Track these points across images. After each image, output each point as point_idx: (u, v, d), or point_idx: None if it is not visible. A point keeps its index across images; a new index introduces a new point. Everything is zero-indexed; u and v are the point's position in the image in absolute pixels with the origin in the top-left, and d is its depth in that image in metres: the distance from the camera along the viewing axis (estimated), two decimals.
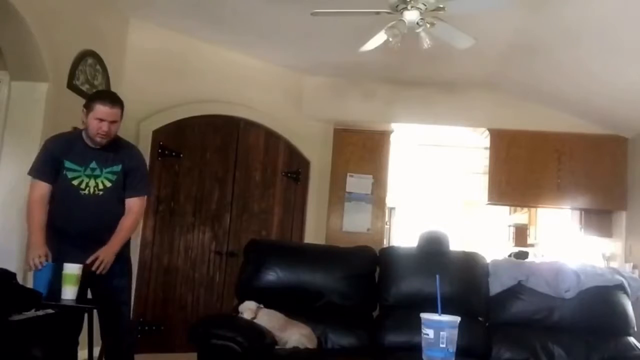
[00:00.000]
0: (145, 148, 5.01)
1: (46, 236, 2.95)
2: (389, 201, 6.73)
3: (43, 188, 2.96)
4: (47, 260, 2.88)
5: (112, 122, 2.96)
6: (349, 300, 3.39)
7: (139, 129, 5.00)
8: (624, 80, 4.78)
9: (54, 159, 2.97)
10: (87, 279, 2.92)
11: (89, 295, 3.10)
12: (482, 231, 9.31)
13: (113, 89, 4.76)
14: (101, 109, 2.94)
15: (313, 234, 5.83)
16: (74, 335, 3.04)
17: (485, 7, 3.64)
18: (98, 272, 2.95)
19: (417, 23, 3.47)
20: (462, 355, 2.09)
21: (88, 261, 2.94)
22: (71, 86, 4.17)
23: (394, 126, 6.26)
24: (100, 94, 3.24)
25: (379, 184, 6.09)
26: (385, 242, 6.83)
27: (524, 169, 5.99)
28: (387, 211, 6.61)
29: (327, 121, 6.11)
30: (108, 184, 3.02)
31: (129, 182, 3.08)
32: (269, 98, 5.73)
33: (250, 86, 5.59)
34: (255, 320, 3.02)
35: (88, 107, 3.00)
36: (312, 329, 3.13)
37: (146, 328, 4.87)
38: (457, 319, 1.98)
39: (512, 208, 8.45)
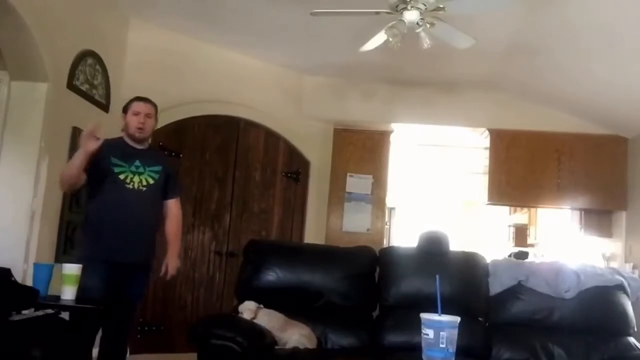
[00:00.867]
0: None
1: (94, 230, 3.12)
2: (389, 201, 6.72)
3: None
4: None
5: (147, 115, 3.26)
6: (348, 300, 3.39)
7: None
8: (624, 80, 4.78)
9: (95, 155, 3.07)
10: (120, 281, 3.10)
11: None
12: (482, 231, 9.31)
13: (113, 89, 4.76)
14: (136, 104, 3.28)
15: (313, 234, 5.83)
16: (91, 335, 3.09)
17: (485, 7, 3.64)
18: (169, 278, 3.34)
19: (417, 23, 3.48)
20: (462, 355, 2.09)
21: (162, 273, 3.31)
22: (71, 86, 4.17)
23: (394, 126, 6.25)
24: (135, 97, 3.43)
25: (379, 184, 6.08)
26: (385, 242, 6.82)
27: (523, 169, 5.98)
28: (387, 211, 6.61)
29: (327, 121, 6.11)
30: (151, 181, 3.23)
31: (169, 185, 3.36)
32: (269, 98, 5.73)
33: (250, 86, 5.59)
34: (255, 321, 3.02)
35: (125, 110, 3.32)
36: (312, 329, 3.13)
37: (146, 328, 4.87)
38: (457, 319, 1.98)
39: (512, 208, 8.44)
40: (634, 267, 5.41)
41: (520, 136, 6.02)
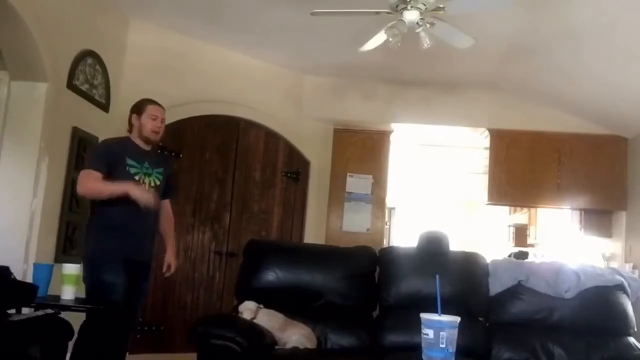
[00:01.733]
0: None
1: (110, 229, 3.16)
2: (389, 201, 6.72)
3: (97, 175, 3.12)
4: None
5: (162, 120, 3.38)
6: (348, 300, 3.39)
7: None
8: (624, 80, 4.78)
9: (112, 154, 3.21)
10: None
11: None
12: (482, 231, 9.31)
13: (113, 89, 4.76)
14: (154, 107, 3.35)
15: (313, 234, 5.83)
16: (125, 332, 3.22)
17: (485, 8, 3.64)
18: (170, 274, 3.47)
19: (417, 23, 3.47)
20: (462, 355, 2.09)
21: (164, 270, 3.43)
22: (71, 86, 4.17)
23: (393, 126, 6.25)
24: (146, 98, 3.48)
25: (379, 184, 6.08)
26: (385, 242, 6.82)
27: (523, 169, 5.98)
28: (387, 211, 6.61)
29: (327, 121, 6.11)
30: (157, 182, 3.35)
31: (168, 186, 3.47)
32: (269, 98, 5.73)
33: (250, 86, 5.58)
34: (255, 321, 3.02)
35: (139, 111, 3.33)
36: (312, 329, 3.13)
37: (146, 328, 4.87)
38: (457, 319, 1.98)
39: (512, 208, 8.44)
40: (634, 267, 5.41)
41: (520, 136, 6.02)
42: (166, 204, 3.52)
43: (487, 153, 6.23)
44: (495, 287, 3.40)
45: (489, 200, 6.15)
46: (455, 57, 4.71)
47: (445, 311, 2.02)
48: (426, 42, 3.61)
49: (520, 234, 8.45)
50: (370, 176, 6.07)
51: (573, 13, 4.02)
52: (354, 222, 5.98)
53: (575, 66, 4.91)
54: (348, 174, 6.04)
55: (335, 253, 3.65)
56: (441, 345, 1.93)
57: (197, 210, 5.26)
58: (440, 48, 3.87)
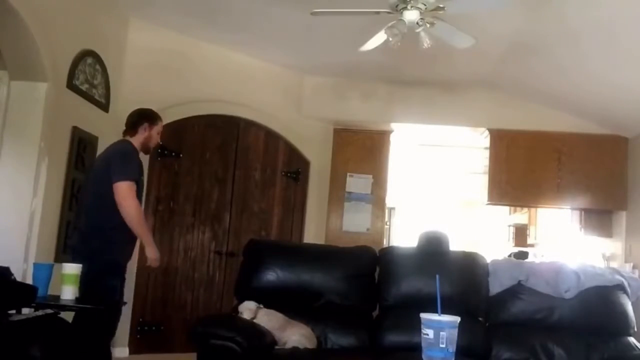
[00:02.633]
0: None
1: (124, 236, 3.25)
2: (389, 201, 6.72)
3: (134, 187, 3.22)
4: None
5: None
6: (348, 300, 3.38)
7: None
8: (624, 80, 4.78)
9: (138, 165, 3.35)
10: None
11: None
12: (482, 231, 9.31)
13: (113, 88, 4.76)
14: (161, 125, 3.55)
15: (313, 234, 5.83)
16: (110, 330, 3.28)
17: (485, 7, 3.64)
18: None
19: (417, 23, 3.47)
20: (462, 355, 2.09)
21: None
22: (71, 86, 4.17)
23: (393, 126, 6.25)
24: (157, 113, 3.63)
25: (379, 184, 6.08)
26: (385, 242, 6.82)
27: (523, 169, 5.98)
28: (387, 211, 6.61)
29: (327, 121, 6.11)
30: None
31: None
32: (269, 98, 5.73)
33: (250, 86, 5.58)
34: (254, 320, 3.02)
35: (152, 122, 3.47)
36: (312, 329, 3.13)
37: (145, 328, 4.87)
38: (457, 319, 1.98)
39: (512, 208, 8.44)
40: (634, 267, 5.41)
41: (520, 136, 6.02)
42: None
43: (487, 153, 6.23)
44: (495, 287, 3.40)
45: (489, 200, 6.15)
46: (455, 57, 4.71)
47: (445, 311, 2.02)
48: (426, 42, 3.61)
49: (520, 234, 8.45)
50: (370, 176, 6.07)
51: (573, 13, 4.02)
52: (354, 222, 5.98)
53: (575, 66, 4.91)
54: (348, 173, 6.04)
55: (335, 253, 3.65)
56: (441, 345, 1.93)
57: (197, 210, 5.26)
58: (440, 48, 3.87)
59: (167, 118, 5.12)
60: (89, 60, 4.41)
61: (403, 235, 9.44)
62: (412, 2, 3.41)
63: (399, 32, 3.49)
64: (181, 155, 5.18)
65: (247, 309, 3.07)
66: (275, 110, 5.77)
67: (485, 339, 3.24)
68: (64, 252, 4.15)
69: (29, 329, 2.69)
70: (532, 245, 8.10)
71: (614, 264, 5.81)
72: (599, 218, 6.13)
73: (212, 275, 5.26)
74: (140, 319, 4.85)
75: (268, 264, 3.40)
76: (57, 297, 3.42)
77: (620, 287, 3.37)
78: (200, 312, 5.05)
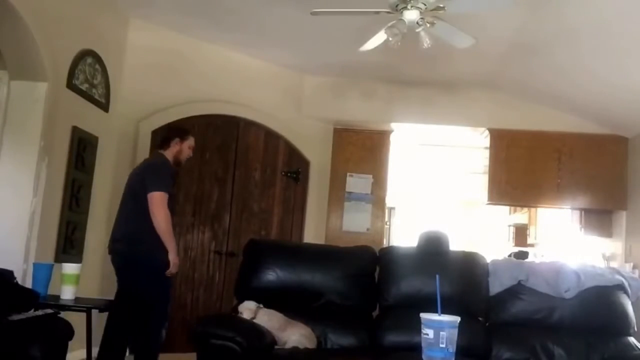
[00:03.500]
0: (144, 148, 5.01)
1: (158, 240, 3.50)
2: (389, 201, 6.72)
3: (166, 199, 3.52)
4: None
5: (194, 150, 3.86)
6: (348, 300, 3.38)
7: (138, 129, 5.01)
8: (623, 80, 4.78)
9: (172, 177, 3.66)
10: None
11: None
12: (482, 231, 9.30)
13: (112, 88, 4.76)
14: (193, 140, 3.82)
15: (313, 234, 5.83)
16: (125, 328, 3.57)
17: (485, 7, 3.64)
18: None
19: (417, 23, 3.47)
20: (462, 355, 2.09)
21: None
22: (70, 86, 4.17)
23: (393, 126, 6.25)
24: (188, 129, 4.00)
25: (379, 184, 6.08)
26: (385, 242, 6.82)
27: (523, 168, 5.98)
28: (386, 211, 6.60)
29: (327, 121, 6.11)
30: None
31: None
32: (269, 98, 5.73)
33: (250, 86, 5.58)
34: (254, 320, 3.01)
35: (183, 137, 3.76)
36: (312, 329, 3.12)
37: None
38: (457, 319, 1.98)
39: (512, 208, 8.44)
40: (634, 267, 5.41)
41: (520, 136, 6.02)
42: None
43: (487, 153, 6.23)
44: (495, 287, 3.39)
45: (489, 200, 6.15)
46: (455, 56, 4.71)
47: (445, 311, 2.02)
48: (426, 42, 3.60)
49: (520, 233, 8.45)
50: (370, 176, 6.07)
51: (573, 13, 4.02)
52: (354, 222, 5.98)
53: (575, 66, 4.91)
54: (348, 173, 6.04)
55: (335, 253, 3.65)
56: (441, 345, 1.93)
57: (197, 210, 5.26)
58: (440, 48, 3.87)
59: (167, 118, 5.13)
60: (89, 60, 4.41)
61: (403, 235, 9.44)
62: (412, 1, 3.41)
63: (399, 32, 3.49)
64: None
65: (247, 309, 3.07)
66: (275, 110, 5.76)
67: (485, 339, 3.24)
68: (64, 252, 4.15)
69: (29, 328, 2.69)
70: (532, 245, 8.10)
71: (614, 264, 5.81)
72: (599, 218, 6.13)
73: (212, 275, 5.26)
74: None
75: (268, 264, 3.40)
76: (57, 297, 3.42)
77: (620, 287, 3.37)
78: (200, 312, 5.05)
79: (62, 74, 4.08)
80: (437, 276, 2.19)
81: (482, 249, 4.05)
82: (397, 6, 3.47)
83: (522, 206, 7.69)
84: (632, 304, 3.38)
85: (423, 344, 1.98)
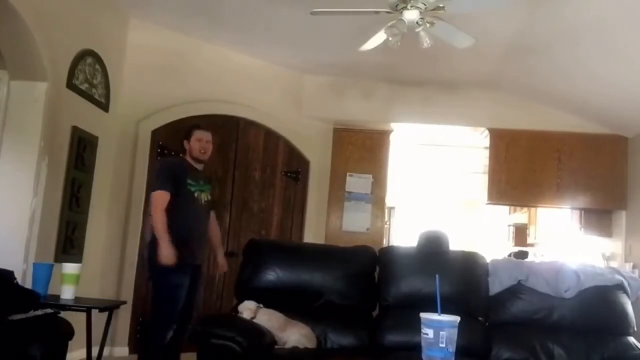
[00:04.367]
0: (144, 147, 5.02)
1: (180, 238, 3.59)
2: (389, 201, 6.72)
3: (166, 197, 3.61)
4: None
5: (208, 142, 3.85)
6: (348, 300, 3.38)
7: (138, 129, 5.01)
8: (623, 80, 4.78)
9: (176, 175, 3.70)
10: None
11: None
12: (482, 231, 9.31)
13: (112, 88, 4.76)
14: (199, 132, 3.85)
15: (312, 234, 5.83)
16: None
17: (485, 7, 3.64)
18: (220, 272, 4.20)
19: (417, 22, 3.47)
20: (461, 355, 2.09)
21: (218, 270, 4.10)
22: (70, 85, 4.17)
23: (393, 126, 6.25)
24: (193, 125, 4.08)
25: (379, 184, 6.08)
26: (384, 242, 6.82)
27: (523, 168, 5.98)
28: (386, 211, 6.61)
29: (327, 121, 6.11)
30: (209, 197, 3.90)
31: (212, 200, 4.01)
32: (268, 98, 5.73)
33: (250, 86, 5.58)
34: (254, 320, 3.02)
35: (187, 136, 3.84)
36: (312, 329, 3.12)
37: (139, 328, 4.86)
38: (457, 318, 1.98)
39: (512, 208, 8.44)
40: (634, 267, 5.41)
41: (520, 136, 6.02)
42: (213, 216, 4.03)
43: (487, 153, 6.23)
44: (495, 286, 3.39)
45: (488, 200, 6.16)
46: (455, 56, 4.71)
47: (445, 311, 2.02)
48: (426, 42, 3.61)
49: (520, 233, 8.45)
50: (370, 176, 6.07)
51: (572, 13, 4.02)
52: (354, 222, 5.98)
53: (575, 66, 4.91)
54: (348, 173, 6.04)
55: (335, 253, 3.65)
56: (441, 345, 1.93)
57: None
58: (440, 47, 3.86)
59: (167, 118, 5.14)
60: (89, 59, 4.41)
61: (403, 235, 9.44)
62: (412, 1, 3.41)
63: (398, 32, 3.49)
64: (181, 155, 5.16)
65: (247, 309, 3.07)
66: (275, 110, 5.76)
67: (485, 338, 3.24)
68: (64, 252, 4.15)
69: (29, 328, 2.69)
70: (532, 245, 8.10)
71: (614, 264, 5.81)
72: (599, 218, 6.13)
73: (212, 275, 5.25)
74: (140, 319, 4.85)
75: (268, 264, 3.40)
76: (57, 297, 3.42)
77: (620, 287, 3.37)
78: (200, 312, 5.04)
79: (62, 73, 4.08)
80: (437, 276, 2.19)
81: (482, 249, 4.05)
82: (397, 6, 3.47)
83: (522, 206, 7.69)
84: (632, 303, 3.38)
85: (423, 344, 1.98)
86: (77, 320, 3.16)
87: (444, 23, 3.61)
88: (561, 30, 4.35)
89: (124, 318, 4.75)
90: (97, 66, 4.53)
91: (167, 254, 3.54)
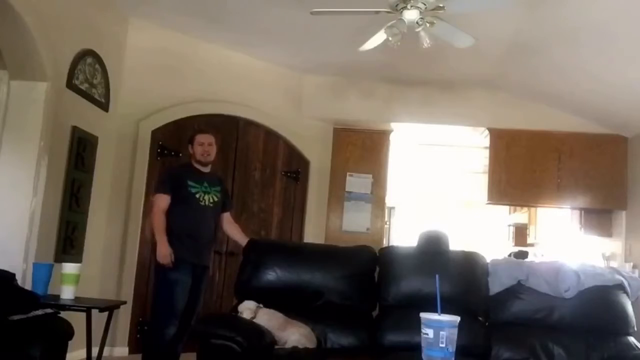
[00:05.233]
0: (144, 147, 5.02)
1: (179, 238, 3.78)
2: (389, 201, 6.72)
3: (165, 199, 3.81)
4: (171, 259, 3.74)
5: (209, 144, 3.97)
6: (348, 299, 3.38)
7: (138, 129, 5.01)
8: (623, 80, 4.78)
9: (174, 179, 3.90)
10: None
11: None
12: (482, 231, 9.30)
13: (112, 88, 4.76)
14: (200, 136, 3.99)
15: (312, 234, 5.83)
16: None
17: (485, 7, 3.64)
18: None
19: (417, 22, 3.47)
20: (461, 355, 2.09)
21: None
22: (70, 85, 4.17)
23: (393, 126, 6.25)
24: (196, 130, 4.25)
25: (379, 184, 6.08)
26: (384, 242, 6.82)
27: (523, 168, 5.98)
28: (386, 211, 6.61)
29: (327, 121, 6.11)
30: (215, 199, 3.98)
31: (226, 201, 4.15)
32: (269, 98, 5.72)
33: (250, 86, 5.58)
34: (254, 320, 3.01)
35: (190, 142, 4.00)
36: (312, 329, 3.12)
37: (145, 328, 4.86)
38: (457, 318, 1.98)
39: (512, 208, 8.44)
40: (634, 267, 5.41)
41: (520, 135, 6.02)
42: (227, 215, 4.17)
43: (487, 152, 6.23)
44: (495, 286, 3.39)
45: (488, 200, 6.16)
46: (455, 56, 4.71)
47: (445, 311, 2.02)
48: (426, 42, 3.61)
49: (520, 233, 8.46)
50: (370, 176, 6.07)
51: (572, 13, 4.02)
52: (354, 222, 5.98)
53: (574, 66, 4.91)
54: (348, 173, 6.04)
55: (335, 253, 3.64)
56: (441, 345, 1.93)
57: None
58: (440, 47, 3.87)
59: (167, 118, 5.14)
60: (89, 59, 4.41)
61: (403, 235, 9.43)
62: (412, 1, 3.41)
63: (398, 32, 3.49)
64: (180, 155, 5.17)
65: (247, 309, 3.07)
66: (275, 109, 5.76)
67: (485, 338, 3.24)
68: (64, 252, 4.15)
69: (29, 329, 2.69)
70: (532, 245, 8.10)
71: (614, 264, 5.81)
72: (599, 218, 6.14)
73: (212, 275, 5.25)
74: (140, 319, 4.85)
75: (268, 264, 3.40)
76: (57, 297, 3.42)
77: (620, 287, 3.37)
78: (201, 312, 5.03)
79: (62, 73, 4.08)
80: (437, 276, 2.19)
81: (482, 249, 4.05)
82: (397, 6, 3.47)
83: (522, 206, 7.69)
84: (632, 303, 3.38)
85: (423, 344, 1.98)
86: (77, 320, 3.16)
87: (444, 23, 3.61)
88: (561, 30, 4.35)
89: (124, 318, 4.75)
90: (97, 66, 4.53)
91: (164, 253, 3.70)
